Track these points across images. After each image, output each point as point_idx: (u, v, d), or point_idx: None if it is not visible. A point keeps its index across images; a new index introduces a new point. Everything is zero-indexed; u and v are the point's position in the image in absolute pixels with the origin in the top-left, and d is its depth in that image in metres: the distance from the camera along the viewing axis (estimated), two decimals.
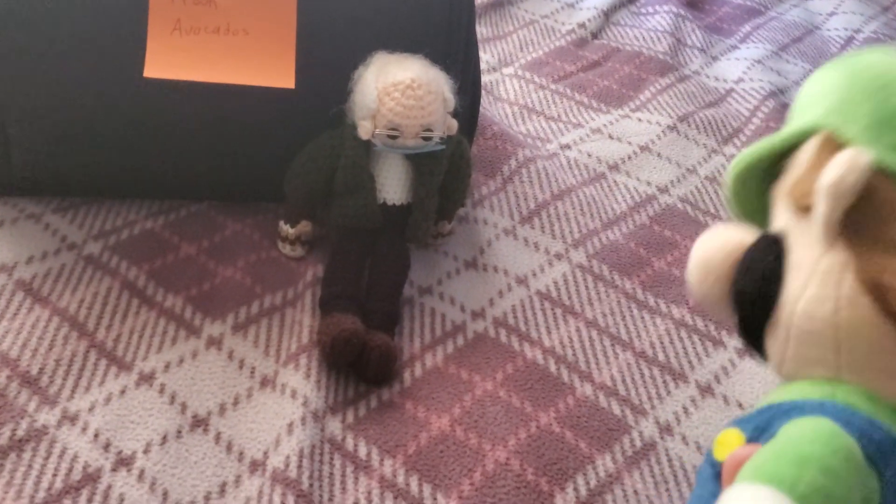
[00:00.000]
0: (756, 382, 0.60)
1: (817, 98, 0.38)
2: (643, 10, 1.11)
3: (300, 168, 0.62)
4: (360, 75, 0.58)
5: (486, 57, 0.97)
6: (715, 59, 1.04)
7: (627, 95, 0.93)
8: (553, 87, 0.93)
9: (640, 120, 0.88)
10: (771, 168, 0.39)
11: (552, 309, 0.64)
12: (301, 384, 0.54)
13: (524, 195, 0.75)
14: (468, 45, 0.66)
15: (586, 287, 0.67)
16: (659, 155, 0.83)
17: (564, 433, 0.54)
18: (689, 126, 0.88)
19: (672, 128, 0.87)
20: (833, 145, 0.36)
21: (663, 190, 0.79)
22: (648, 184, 0.79)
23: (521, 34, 1.04)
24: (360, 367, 0.56)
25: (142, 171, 0.65)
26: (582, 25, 1.05)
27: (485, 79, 0.93)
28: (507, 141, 0.80)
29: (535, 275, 0.67)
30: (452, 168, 0.63)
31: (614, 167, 0.81)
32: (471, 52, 0.67)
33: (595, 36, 1.05)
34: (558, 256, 0.69)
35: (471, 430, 0.54)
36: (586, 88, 0.93)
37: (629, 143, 0.84)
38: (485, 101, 0.89)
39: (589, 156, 0.82)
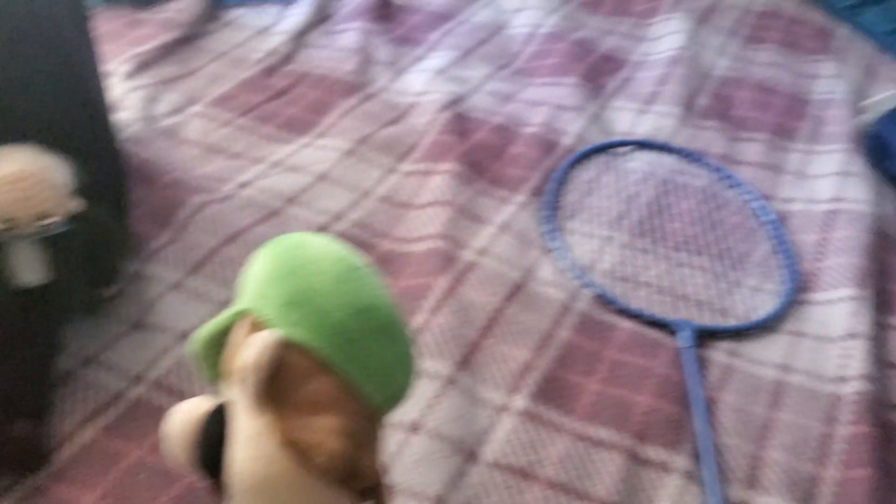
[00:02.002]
0: None
1: (250, 282, 0.45)
2: (334, 29, 1.16)
3: None
4: None
5: (172, 97, 0.98)
6: (401, 72, 1.10)
7: (312, 122, 0.97)
8: (239, 121, 0.96)
9: (321, 147, 0.93)
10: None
11: None
12: None
13: (195, 244, 0.78)
14: (97, 121, 0.67)
15: None
16: (336, 182, 0.88)
17: None
18: (368, 148, 0.93)
19: (351, 152, 0.92)
20: (257, 326, 0.42)
21: (337, 217, 0.84)
22: (324, 213, 0.84)
23: (211, 68, 1.05)
24: (1, 461, 0.57)
25: None
26: (273, 52, 1.08)
27: (168, 121, 0.95)
28: (180, 188, 0.83)
29: (196, 329, 0.70)
30: (96, 240, 0.65)
31: (291, 200, 0.85)
32: (104, 127, 0.68)
33: (286, 61, 1.08)
34: (223, 305, 0.73)
35: (119, 501, 0.57)
36: (271, 119, 0.97)
37: (307, 174, 0.89)
38: (164, 146, 0.91)
39: (265, 192, 0.86)
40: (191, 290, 0.74)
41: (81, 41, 0.68)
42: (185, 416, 0.44)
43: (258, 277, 0.44)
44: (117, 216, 0.71)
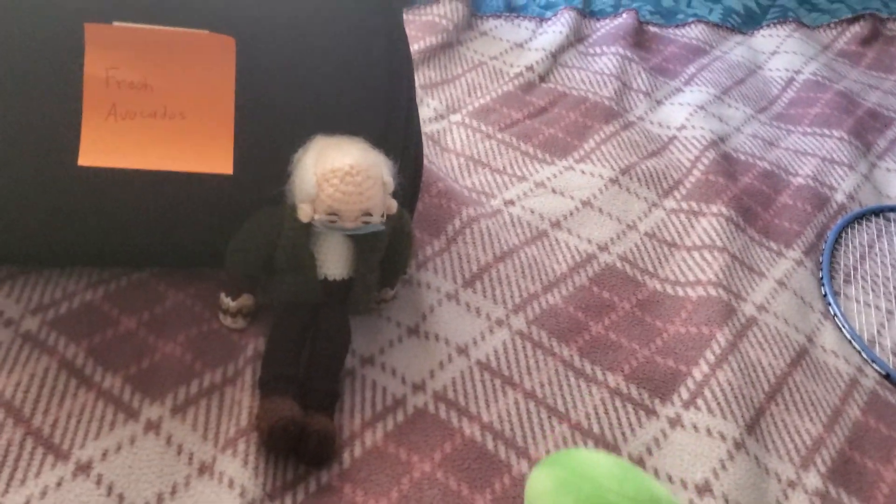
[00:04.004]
0: (686, 455, 0.62)
1: (540, 496, 0.51)
2: (591, 51, 1.13)
3: (240, 244, 0.62)
4: (299, 159, 0.59)
5: (433, 103, 0.98)
6: (659, 103, 1.06)
7: (572, 145, 0.94)
8: (499, 136, 0.94)
9: (583, 172, 0.90)
10: None
11: (491, 380, 0.65)
12: (239, 473, 0.55)
13: (467, 257, 0.76)
14: (409, 121, 0.66)
15: (525, 355, 0.68)
16: (600, 210, 0.85)
17: None
18: (630, 179, 0.90)
19: (614, 181, 0.89)
20: None
21: (603, 248, 0.80)
22: (589, 241, 0.81)
23: (470, 77, 1.04)
24: (300, 451, 0.56)
25: (80, 241, 0.64)
26: (530, 68, 1.06)
27: (432, 127, 0.94)
28: (451, 199, 0.81)
29: (475, 343, 0.68)
30: (394, 241, 0.64)
31: (556, 224, 0.82)
32: (412, 127, 0.68)
33: (543, 79, 1.06)
34: (499, 323, 0.70)
35: None
36: (532, 137, 0.95)
37: (571, 198, 0.86)
38: (431, 152, 0.90)
39: (532, 212, 0.83)
40: (464, 304, 0.72)
41: (400, 37, 0.67)
42: None
43: (549, 490, 0.51)
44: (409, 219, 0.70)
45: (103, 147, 0.55)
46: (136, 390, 0.60)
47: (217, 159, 0.57)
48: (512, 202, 0.84)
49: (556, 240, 0.81)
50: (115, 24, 0.55)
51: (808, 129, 1.05)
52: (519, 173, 0.89)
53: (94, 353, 0.61)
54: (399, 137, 0.65)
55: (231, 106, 0.57)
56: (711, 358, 0.69)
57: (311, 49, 0.60)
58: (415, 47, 1.05)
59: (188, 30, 0.56)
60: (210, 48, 0.56)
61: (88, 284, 0.67)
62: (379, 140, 0.62)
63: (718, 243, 0.81)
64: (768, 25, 1.28)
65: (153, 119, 0.56)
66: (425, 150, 0.89)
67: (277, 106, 0.60)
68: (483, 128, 0.95)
